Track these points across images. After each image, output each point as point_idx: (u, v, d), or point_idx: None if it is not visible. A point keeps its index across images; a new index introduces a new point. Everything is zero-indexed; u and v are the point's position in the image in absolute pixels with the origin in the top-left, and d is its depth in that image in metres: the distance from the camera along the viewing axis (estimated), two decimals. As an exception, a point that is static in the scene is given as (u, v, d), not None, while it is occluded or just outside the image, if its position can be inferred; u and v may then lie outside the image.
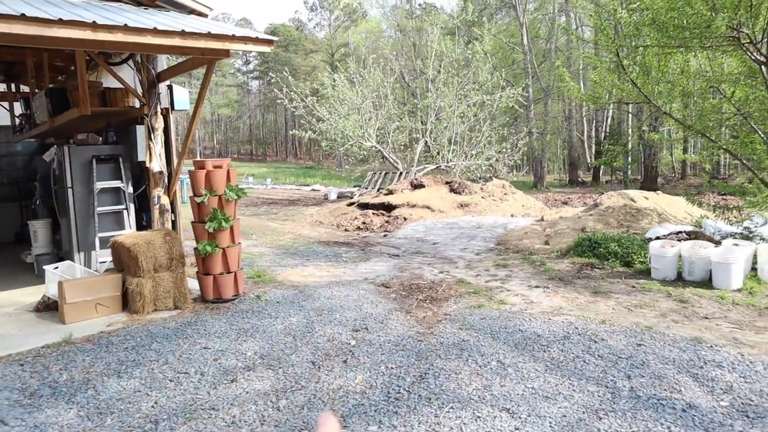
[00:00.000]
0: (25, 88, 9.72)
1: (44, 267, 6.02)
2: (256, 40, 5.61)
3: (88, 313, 5.73)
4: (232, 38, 5.46)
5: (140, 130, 7.39)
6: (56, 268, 6.18)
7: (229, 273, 6.20)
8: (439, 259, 8.62)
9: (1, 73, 9.79)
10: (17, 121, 9.54)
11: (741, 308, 5.72)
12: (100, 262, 7.19)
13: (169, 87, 7.57)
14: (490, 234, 10.15)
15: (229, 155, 77.00)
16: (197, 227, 6.14)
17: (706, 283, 6.62)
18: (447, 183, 14.25)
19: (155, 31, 4.96)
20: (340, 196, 19.62)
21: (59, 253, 8.04)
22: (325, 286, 7.00)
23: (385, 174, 17.76)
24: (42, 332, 5.35)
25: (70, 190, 7.30)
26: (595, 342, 4.73)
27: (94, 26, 4.65)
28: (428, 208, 12.76)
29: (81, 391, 3.96)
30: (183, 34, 5.13)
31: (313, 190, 26.57)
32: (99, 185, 7.27)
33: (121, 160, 7.45)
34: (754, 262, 6.82)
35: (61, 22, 4.47)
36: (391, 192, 14.47)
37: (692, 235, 8.23)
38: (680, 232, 8.21)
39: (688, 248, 6.92)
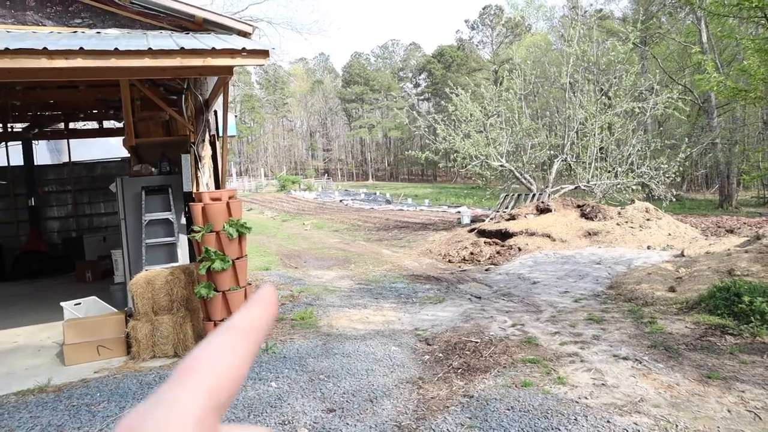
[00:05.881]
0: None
1: (62, 304, 5.87)
2: (244, 52, 4.82)
3: (90, 356, 5.40)
4: (213, 52, 4.74)
5: (186, 159, 7.10)
6: (78, 304, 6.02)
7: (232, 319, 5.42)
8: (524, 306, 6.95)
9: (112, 109, 10.56)
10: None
11: None
12: (146, 297, 6.98)
13: (215, 112, 7.19)
14: (607, 273, 8.05)
15: (400, 176, 78.87)
16: (196, 267, 5.51)
17: None
18: (578, 206, 12.08)
19: (117, 53, 4.44)
20: (474, 220, 18.16)
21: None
22: (360, 338, 5.90)
23: (518, 196, 15.92)
24: (31, 375, 5.11)
25: (123, 222, 7.27)
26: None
27: (48, 53, 4.27)
28: (548, 236, 10.83)
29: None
30: (152, 52, 4.55)
31: (458, 212, 25.34)
32: (147, 217, 7.10)
33: (170, 190, 7.24)
34: None
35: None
36: (513, 217, 12.74)
37: None
38: None
39: None
